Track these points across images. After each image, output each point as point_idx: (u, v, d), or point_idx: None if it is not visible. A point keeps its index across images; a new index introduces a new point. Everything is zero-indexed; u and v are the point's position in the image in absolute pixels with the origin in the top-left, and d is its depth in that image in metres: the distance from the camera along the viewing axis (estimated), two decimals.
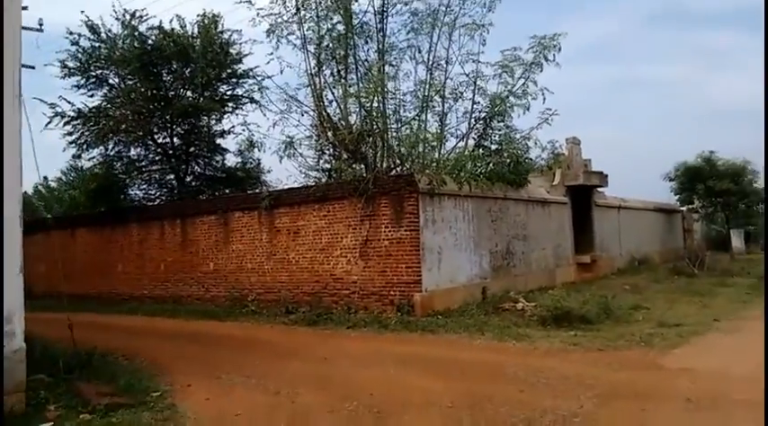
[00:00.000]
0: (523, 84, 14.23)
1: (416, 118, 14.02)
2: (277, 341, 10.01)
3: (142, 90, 17.70)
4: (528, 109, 14.43)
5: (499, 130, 14.82)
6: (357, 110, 14.03)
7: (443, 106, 14.85)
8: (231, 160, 20.10)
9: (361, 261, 12.77)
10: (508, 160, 15.02)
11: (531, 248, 16.43)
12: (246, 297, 14.46)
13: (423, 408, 5.76)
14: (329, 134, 13.52)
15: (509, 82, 14.42)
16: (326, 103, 13.74)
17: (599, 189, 20.71)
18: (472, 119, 14.73)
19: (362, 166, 13.62)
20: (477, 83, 14.50)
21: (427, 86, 14.38)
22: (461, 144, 14.91)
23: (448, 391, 6.23)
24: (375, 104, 13.81)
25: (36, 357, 7.07)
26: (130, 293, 17.38)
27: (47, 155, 18.19)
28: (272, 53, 14.17)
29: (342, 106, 13.59)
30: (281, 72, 14.56)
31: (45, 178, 27.04)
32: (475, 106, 14.76)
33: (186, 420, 5.67)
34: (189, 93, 18.47)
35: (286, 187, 14.56)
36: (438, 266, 12.44)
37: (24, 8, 10.19)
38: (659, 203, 27.03)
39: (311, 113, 13.69)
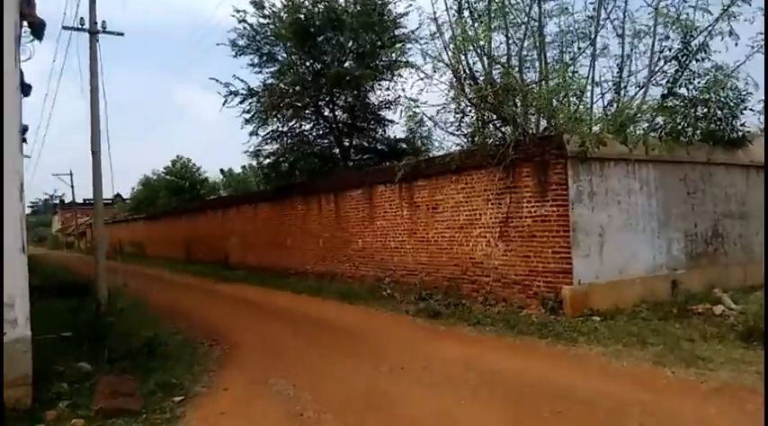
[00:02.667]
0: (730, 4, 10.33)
1: (571, 62, 11.13)
2: (375, 336, 8.61)
3: (300, 62, 17.50)
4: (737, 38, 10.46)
5: (699, 72, 11.08)
6: (504, 56, 11.67)
7: (623, 46, 11.63)
8: (398, 131, 19.05)
9: (501, 243, 10.62)
10: (713, 111, 11.20)
11: (755, 230, 12.29)
12: (389, 278, 13.31)
13: None
14: (468, 91, 11.42)
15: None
16: (465, 54, 11.60)
17: None
18: (660, 61, 11.25)
19: (505, 129, 11.27)
20: (667, 11, 10.95)
21: (596, 23, 11.34)
22: (647, 96, 11.50)
23: None
24: (524, 51, 11.35)
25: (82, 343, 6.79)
26: (296, 268, 17.54)
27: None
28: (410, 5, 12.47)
29: (483, 56, 11.35)
30: (420, 25, 12.80)
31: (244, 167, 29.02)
32: (663, 43, 11.24)
33: None
34: (349, 63, 17.78)
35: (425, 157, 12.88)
36: (599, 252, 9.70)
37: None
38: None
39: (449, 68, 11.71)
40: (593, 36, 11.39)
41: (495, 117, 11.64)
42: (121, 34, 10.29)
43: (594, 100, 11.80)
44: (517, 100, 10.56)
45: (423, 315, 9.76)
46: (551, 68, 11.58)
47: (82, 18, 9.73)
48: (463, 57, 11.73)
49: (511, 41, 11.72)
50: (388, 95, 18.58)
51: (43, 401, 5.38)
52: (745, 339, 7.46)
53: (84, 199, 72.54)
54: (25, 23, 8.55)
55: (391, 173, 13.26)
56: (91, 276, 19.49)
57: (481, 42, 10.75)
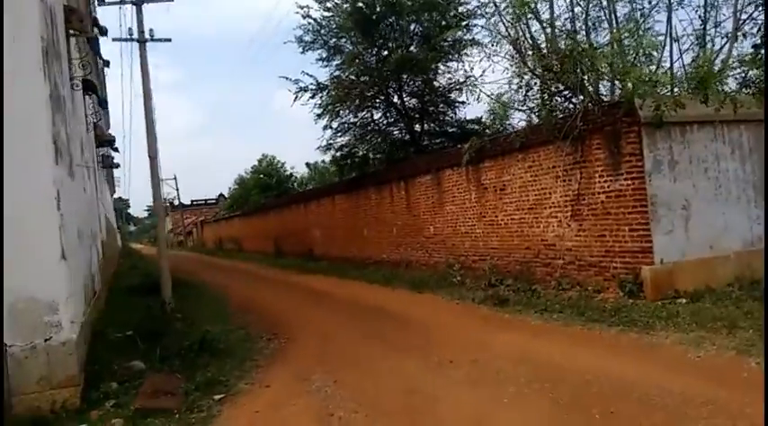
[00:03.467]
0: None
1: (642, 19, 10.01)
2: (433, 326, 8.21)
3: (365, 51, 17.26)
4: None
5: None
6: (568, 21, 10.76)
7: None
8: (471, 112, 18.39)
9: (573, 223, 9.84)
10: None
11: None
12: (460, 264, 12.85)
13: None
14: (529, 61, 10.60)
15: None
16: (526, 24, 10.77)
17: None
18: (748, 6, 9.86)
19: (575, 100, 10.36)
20: None
21: None
22: (735, 48, 10.16)
23: None
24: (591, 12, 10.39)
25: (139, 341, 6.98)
26: (374, 257, 17.47)
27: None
28: None
29: (541, 22, 10.49)
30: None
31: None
32: None
33: None
34: (414, 47, 17.31)
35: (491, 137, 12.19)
36: (684, 227, 8.71)
37: None
38: None
39: (506, 40, 10.93)
40: None
41: (562, 87, 10.78)
42: (168, 40, 10.59)
43: (675, 58, 10.63)
44: (584, 66, 9.64)
45: (489, 303, 9.26)
46: (623, 28, 10.53)
47: (130, 28, 10.14)
48: (525, 28, 10.96)
49: (575, 3, 10.80)
50: (457, 76, 17.97)
51: (92, 400, 5.53)
52: None
53: (192, 200, 77.79)
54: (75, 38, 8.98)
55: (458, 156, 12.73)
56: (183, 273, 20.63)
57: (534, 5, 9.89)
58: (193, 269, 24.83)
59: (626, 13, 10.96)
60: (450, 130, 18.47)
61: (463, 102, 18.57)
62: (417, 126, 18.93)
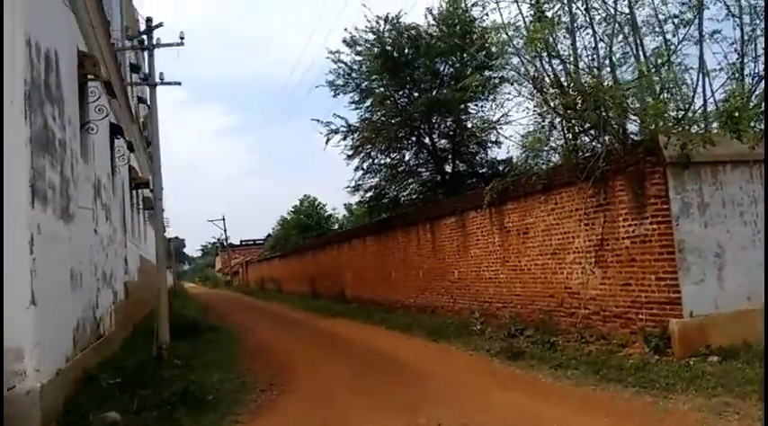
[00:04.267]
0: None
1: (664, 53, 9.45)
2: (437, 380, 7.62)
3: (394, 93, 17.25)
4: None
5: None
6: (591, 57, 10.31)
7: (741, 27, 9.75)
8: (502, 153, 17.99)
9: (597, 270, 9.15)
10: None
11: None
12: (483, 311, 12.20)
13: None
14: (551, 99, 10.15)
15: None
16: (547, 61, 10.37)
17: None
18: None
19: (598, 139, 9.79)
20: None
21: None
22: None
23: None
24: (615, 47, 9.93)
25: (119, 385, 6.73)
26: (401, 301, 16.95)
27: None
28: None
29: (560, 58, 10.06)
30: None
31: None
32: None
33: None
34: (444, 88, 17.16)
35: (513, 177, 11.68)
36: (718, 276, 7.92)
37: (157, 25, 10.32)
38: None
39: (526, 77, 10.54)
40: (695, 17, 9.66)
41: (587, 126, 10.26)
42: (179, 83, 10.81)
43: (708, 94, 9.97)
44: (606, 103, 9.12)
45: (503, 356, 8.61)
46: (651, 63, 10.02)
47: (144, 73, 10.37)
48: (546, 65, 10.59)
49: (599, 38, 10.38)
50: (488, 115, 17.67)
51: None
52: None
53: (241, 240, 79.29)
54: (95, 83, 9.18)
55: (481, 197, 12.27)
56: (214, 314, 20.59)
57: (553, 41, 9.52)
58: (226, 310, 24.89)
59: (654, 48, 10.45)
60: (481, 171, 18.09)
61: (497, 142, 18.27)
62: (448, 167, 18.66)
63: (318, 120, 18.66)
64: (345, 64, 18.07)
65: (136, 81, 10.88)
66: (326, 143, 18.68)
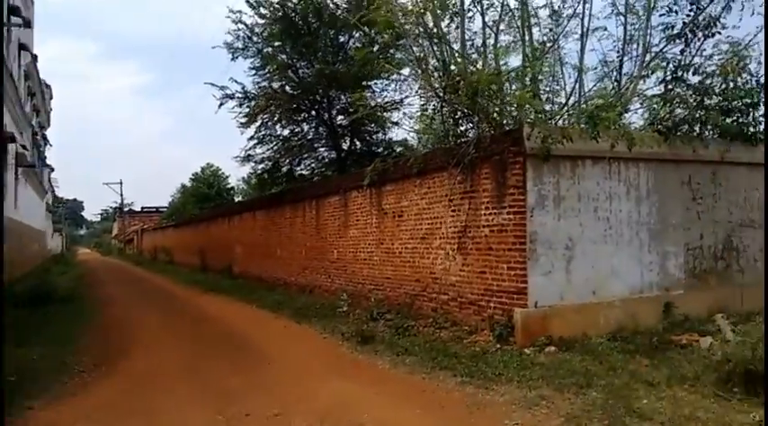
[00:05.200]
0: None
1: (539, 45, 9.50)
2: (274, 366, 7.27)
3: (295, 63, 16.53)
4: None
5: (709, 53, 9.23)
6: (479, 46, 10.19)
7: (625, 26, 9.93)
8: (403, 134, 17.79)
9: (459, 256, 9.11)
10: (729, 100, 9.31)
11: None
12: (356, 292, 11.97)
13: None
14: (436, 85, 9.95)
15: None
16: (437, 42, 10.14)
17: None
18: (661, 40, 9.46)
19: (482, 126, 9.70)
20: None
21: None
22: (645, 82, 9.74)
23: None
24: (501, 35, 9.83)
25: None
26: (284, 279, 16.46)
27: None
28: None
29: (441, 42, 9.86)
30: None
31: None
32: (665, 18, 9.45)
33: None
34: (346, 64, 16.60)
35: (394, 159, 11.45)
36: (566, 269, 8.03)
37: None
38: None
39: (414, 61, 10.29)
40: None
41: (466, 111, 10.14)
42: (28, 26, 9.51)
43: (585, 91, 10.16)
44: (474, 90, 8.98)
45: (354, 340, 8.36)
46: (531, 54, 10.04)
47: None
48: (435, 47, 10.34)
49: (486, 25, 10.27)
50: (388, 96, 17.37)
51: None
52: (724, 384, 5.74)
53: (142, 207, 75.13)
54: None
55: (362, 176, 11.95)
56: (88, 285, 19.23)
57: (428, 19, 9.28)
58: (105, 280, 23.41)
59: (536, 40, 10.48)
60: (378, 151, 17.78)
61: (397, 123, 18.07)
62: (346, 144, 18.23)
63: (212, 84, 17.63)
64: (246, 25, 17.08)
65: None
66: (219, 107, 17.68)
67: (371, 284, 11.71)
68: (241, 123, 17.54)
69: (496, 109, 9.10)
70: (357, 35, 16.36)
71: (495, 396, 5.49)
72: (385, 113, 17.68)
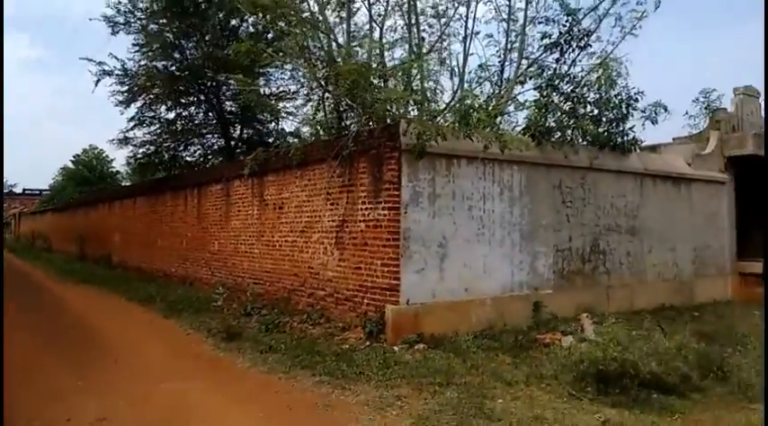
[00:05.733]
0: None
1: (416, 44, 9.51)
2: (122, 366, 6.70)
3: (180, 43, 15.57)
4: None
5: (583, 63, 9.63)
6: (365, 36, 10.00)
7: (507, 33, 10.10)
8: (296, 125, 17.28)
9: (336, 251, 8.89)
10: (602, 109, 9.76)
11: (647, 247, 10.89)
12: (235, 286, 11.44)
13: None
14: (318, 75, 9.67)
15: None
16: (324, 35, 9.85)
17: None
18: (540, 49, 9.75)
19: (362, 119, 9.52)
20: None
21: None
22: (522, 88, 9.99)
23: None
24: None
25: None
26: (164, 269, 15.49)
27: None
28: None
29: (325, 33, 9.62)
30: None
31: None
32: (543, 28, 9.74)
33: None
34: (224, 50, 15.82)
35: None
36: (439, 266, 8.03)
37: None
38: None
39: (297, 50, 9.93)
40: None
41: (354, 104, 9.92)
42: None
43: (468, 91, 10.25)
44: (360, 83, 8.78)
45: (219, 337, 7.91)
46: (423, 50, 10.00)
47: None
48: (324, 39, 10.05)
49: (372, 20, 10.11)
50: (286, 84, 16.83)
51: None
52: (579, 383, 5.92)
53: (24, 189, 68.66)
54: None
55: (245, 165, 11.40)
56: None
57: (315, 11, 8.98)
58: None
59: (424, 38, 10.47)
60: (269, 141, 17.19)
61: (291, 113, 17.54)
62: (237, 132, 17.47)
63: (89, 59, 16.19)
64: None
65: None
66: (96, 85, 16.30)
67: (251, 278, 11.23)
68: (119, 101, 16.31)
69: (376, 103, 8.93)
70: (252, 20, 15.66)
71: (348, 397, 5.30)
72: (279, 103, 17.12)
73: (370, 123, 8.72)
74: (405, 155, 7.74)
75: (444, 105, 9.39)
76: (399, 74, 8.76)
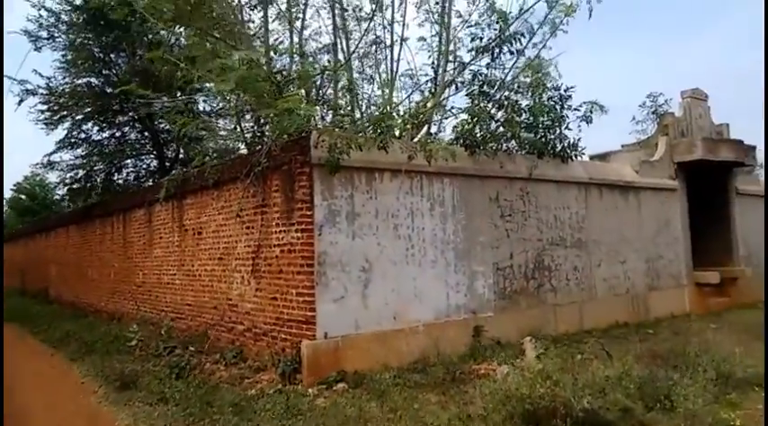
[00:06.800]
0: None
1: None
2: None
3: (104, 56, 14.64)
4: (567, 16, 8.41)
5: (516, 69, 9.03)
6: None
7: (440, 38, 9.48)
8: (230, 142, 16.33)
9: (253, 280, 8.01)
10: (538, 117, 9.16)
11: (596, 261, 10.26)
12: (155, 322, 10.42)
13: None
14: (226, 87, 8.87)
15: None
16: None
17: (743, 167, 13.39)
18: (468, 51, 9.15)
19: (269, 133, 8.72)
20: None
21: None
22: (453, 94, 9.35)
23: None
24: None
25: None
26: (94, 304, 14.33)
27: None
28: None
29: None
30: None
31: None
32: (473, 31, 9.13)
33: None
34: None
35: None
36: (362, 293, 7.22)
37: None
38: None
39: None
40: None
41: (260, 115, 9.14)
42: None
43: (397, 99, 9.59)
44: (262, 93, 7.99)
45: (112, 386, 6.93)
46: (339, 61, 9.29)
47: None
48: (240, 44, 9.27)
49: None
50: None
51: None
52: (508, 424, 5.14)
53: None
54: None
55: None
56: None
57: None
58: None
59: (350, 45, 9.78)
60: (206, 160, 16.21)
61: (235, 129, 16.65)
62: (172, 152, 16.50)
63: (10, 77, 15.13)
64: (51, 11, 14.88)
65: None
66: (18, 105, 15.21)
67: (174, 312, 10.24)
68: (45, 123, 15.23)
69: (275, 115, 8.12)
70: (186, 32, 14.83)
71: None
72: (220, 120, 16.26)
73: (284, 136, 7.91)
74: (317, 169, 6.96)
75: (360, 114, 8.65)
76: (314, 82, 8.00)
